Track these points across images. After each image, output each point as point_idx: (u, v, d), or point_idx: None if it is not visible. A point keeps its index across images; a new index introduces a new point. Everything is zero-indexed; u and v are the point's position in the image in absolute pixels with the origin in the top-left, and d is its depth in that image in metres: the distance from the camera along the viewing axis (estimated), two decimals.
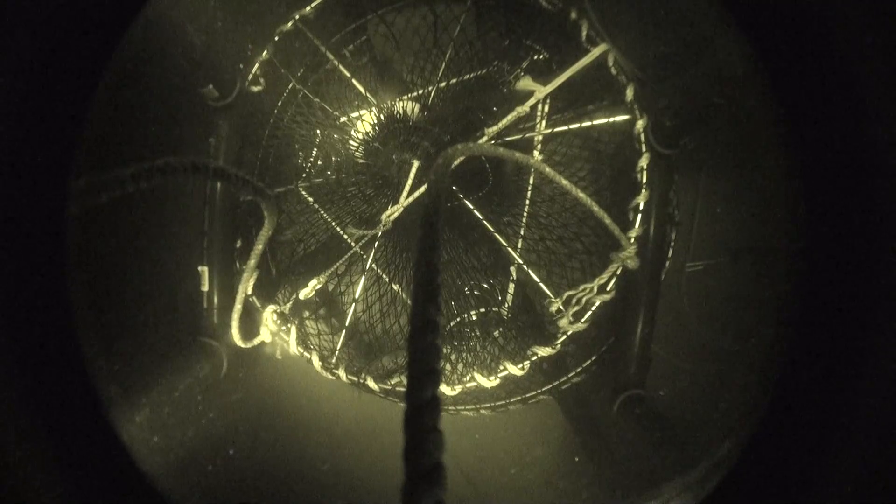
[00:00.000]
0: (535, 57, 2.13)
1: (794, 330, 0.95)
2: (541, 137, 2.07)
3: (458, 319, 2.08)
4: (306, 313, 2.17)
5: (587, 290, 1.82)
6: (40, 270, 0.89)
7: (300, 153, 2.28)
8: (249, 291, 2.00)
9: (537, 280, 1.97)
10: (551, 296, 1.93)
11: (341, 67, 2.16)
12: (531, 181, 2.08)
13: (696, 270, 2.14)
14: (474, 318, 2.09)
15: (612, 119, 1.93)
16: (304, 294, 2.00)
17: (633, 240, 1.79)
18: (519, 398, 2.04)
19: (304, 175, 2.26)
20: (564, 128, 2.01)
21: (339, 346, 2.06)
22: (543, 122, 2.06)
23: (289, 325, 2.01)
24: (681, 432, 1.62)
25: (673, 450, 1.54)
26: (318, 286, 2.01)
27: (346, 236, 2.14)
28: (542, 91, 1.93)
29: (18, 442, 0.84)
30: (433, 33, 2.13)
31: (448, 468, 0.50)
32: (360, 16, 2.22)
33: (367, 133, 2.16)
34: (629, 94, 1.85)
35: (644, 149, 1.84)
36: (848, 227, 0.91)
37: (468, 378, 1.86)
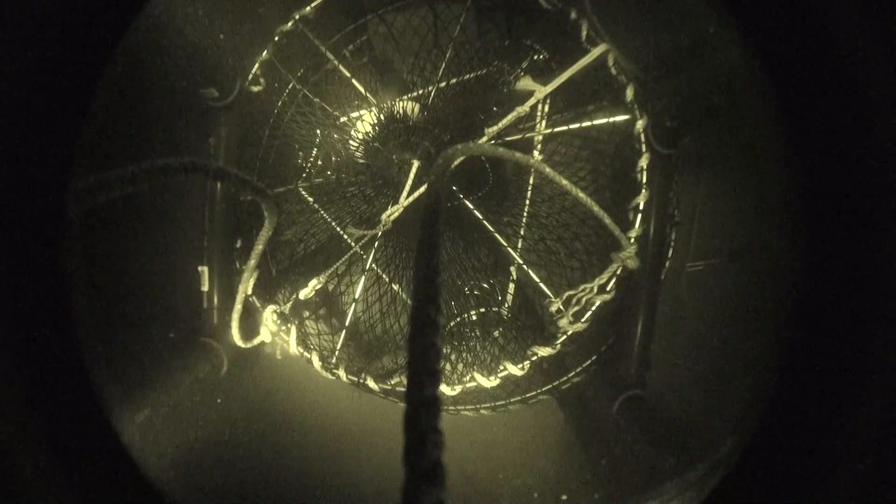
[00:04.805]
0: (535, 57, 2.13)
1: (793, 330, 0.95)
2: (541, 137, 2.07)
3: (458, 319, 2.08)
4: (306, 313, 2.17)
5: (587, 290, 1.81)
6: (40, 270, 0.89)
7: (300, 153, 2.28)
8: (249, 291, 2.00)
9: (537, 280, 1.97)
10: (551, 296, 1.93)
11: (341, 67, 2.16)
12: (531, 181, 2.08)
13: (696, 270, 2.14)
14: (474, 318, 2.09)
15: (612, 119, 1.93)
16: (304, 294, 2.00)
17: (633, 240, 1.79)
18: (519, 398, 2.04)
19: (304, 175, 2.26)
20: (564, 128, 2.01)
21: (339, 346, 2.06)
22: (543, 122, 2.06)
23: (289, 325, 2.01)
24: (681, 432, 1.62)
25: (673, 449, 1.54)
26: (318, 286, 2.01)
27: (346, 236, 2.14)
28: (542, 91, 1.93)
29: (18, 442, 0.84)
30: (433, 33, 2.13)
31: (448, 468, 0.50)
32: (360, 16, 2.22)
33: (367, 133, 2.16)
34: (629, 94, 1.85)
35: (644, 149, 1.84)
36: (848, 227, 0.91)
37: (468, 378, 1.86)
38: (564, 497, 1.71)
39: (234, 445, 1.88)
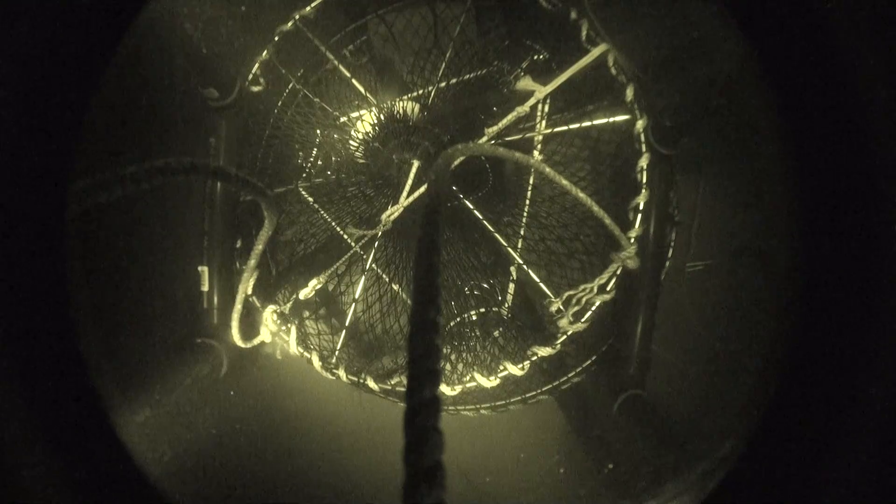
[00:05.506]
0: (535, 57, 2.13)
1: (793, 329, 0.95)
2: (541, 137, 2.06)
3: (458, 319, 2.08)
4: (306, 313, 2.17)
5: (587, 290, 1.81)
6: (40, 271, 0.89)
7: (300, 153, 2.28)
8: (249, 291, 2.00)
9: (537, 280, 1.97)
10: (551, 296, 1.93)
11: (341, 67, 2.16)
12: (531, 181, 2.08)
13: (696, 270, 2.14)
14: (474, 318, 2.09)
15: (612, 119, 1.93)
16: (304, 294, 2.00)
17: (633, 240, 1.79)
18: (519, 398, 2.04)
19: (304, 175, 2.26)
20: (564, 128, 2.01)
21: (339, 346, 2.06)
22: (543, 122, 2.06)
23: (289, 325, 2.01)
24: (681, 432, 1.63)
25: (673, 450, 1.54)
26: (318, 286, 2.01)
27: (346, 236, 2.14)
28: (542, 91, 1.93)
29: (18, 442, 0.84)
30: (433, 33, 2.13)
31: (448, 468, 0.50)
32: (360, 16, 2.22)
33: (367, 133, 2.16)
34: (629, 94, 1.85)
35: (644, 149, 1.84)
36: (848, 226, 0.91)
37: (468, 378, 1.86)
38: (610, 465, 1.71)
39: (233, 445, 1.88)
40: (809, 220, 0.96)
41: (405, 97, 2.15)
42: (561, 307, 1.84)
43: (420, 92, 2.13)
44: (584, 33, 1.90)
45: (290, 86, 2.20)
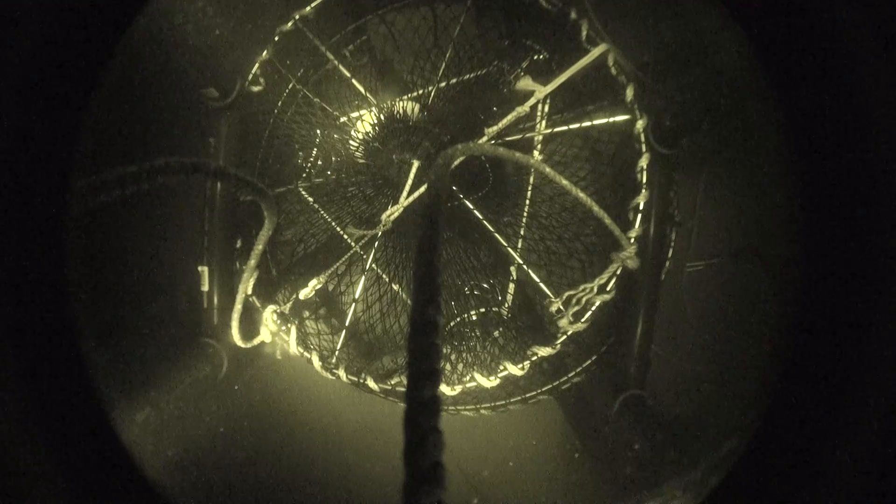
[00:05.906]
0: (535, 57, 2.13)
1: (793, 330, 0.95)
2: (541, 137, 2.06)
3: (458, 319, 2.08)
4: (306, 313, 2.17)
5: (587, 290, 1.81)
6: (41, 271, 0.89)
7: (300, 153, 2.28)
8: (249, 291, 2.00)
9: (537, 280, 1.97)
10: (551, 296, 1.93)
11: (341, 67, 2.16)
12: (531, 181, 2.08)
13: (696, 270, 2.14)
14: (474, 318, 2.09)
15: (612, 119, 1.93)
16: (304, 294, 2.00)
17: (633, 240, 1.79)
18: (519, 398, 2.04)
19: (304, 175, 2.26)
20: (564, 128, 2.01)
21: (339, 346, 2.05)
22: (543, 122, 2.06)
23: (289, 325, 2.01)
24: (681, 432, 1.63)
25: (673, 450, 1.54)
26: (318, 286, 2.01)
27: (346, 236, 2.14)
28: (542, 91, 1.93)
29: (18, 442, 0.84)
30: (433, 33, 2.13)
31: (448, 468, 0.50)
32: (360, 16, 2.22)
33: (367, 133, 2.16)
34: (629, 94, 1.85)
35: (644, 149, 1.84)
36: (847, 227, 0.91)
37: (468, 378, 1.86)
38: (636, 446, 1.70)
39: (233, 445, 1.88)
40: (809, 220, 0.96)
41: (405, 97, 2.15)
42: (561, 307, 1.84)
43: (420, 92, 2.13)
44: (584, 33, 1.90)
45: (290, 86, 2.20)
